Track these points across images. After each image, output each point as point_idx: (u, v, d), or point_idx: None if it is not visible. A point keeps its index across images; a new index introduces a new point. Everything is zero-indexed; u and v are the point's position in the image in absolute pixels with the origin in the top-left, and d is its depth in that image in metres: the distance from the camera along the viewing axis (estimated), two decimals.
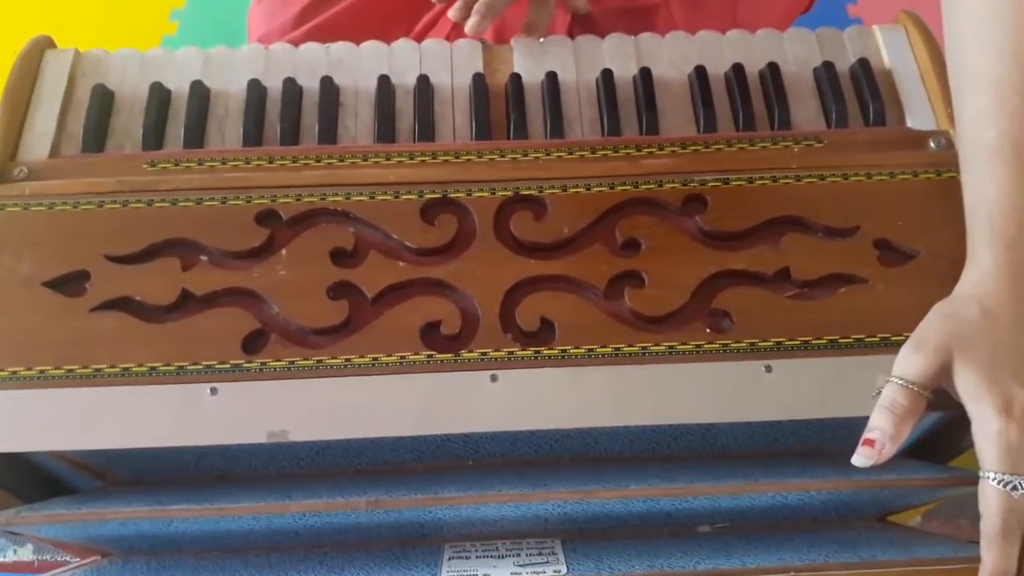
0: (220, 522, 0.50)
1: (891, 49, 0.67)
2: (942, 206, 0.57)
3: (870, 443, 0.48)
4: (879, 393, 0.48)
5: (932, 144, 0.61)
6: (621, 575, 0.46)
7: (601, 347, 0.52)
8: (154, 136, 0.63)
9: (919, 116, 0.64)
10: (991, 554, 0.45)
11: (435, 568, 0.48)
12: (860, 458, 0.48)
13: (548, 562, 0.47)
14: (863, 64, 0.66)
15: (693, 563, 0.48)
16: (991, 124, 0.52)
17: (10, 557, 0.75)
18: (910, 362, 0.48)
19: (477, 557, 0.49)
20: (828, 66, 0.66)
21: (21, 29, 1.46)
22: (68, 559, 0.63)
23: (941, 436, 0.56)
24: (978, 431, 0.46)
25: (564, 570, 0.47)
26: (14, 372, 0.51)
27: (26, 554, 0.75)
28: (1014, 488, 0.45)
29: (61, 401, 0.51)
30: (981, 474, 0.46)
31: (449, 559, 0.49)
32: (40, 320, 0.53)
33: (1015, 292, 0.49)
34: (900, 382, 0.48)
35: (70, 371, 0.52)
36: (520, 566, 0.47)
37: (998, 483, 0.45)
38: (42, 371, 0.52)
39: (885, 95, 0.65)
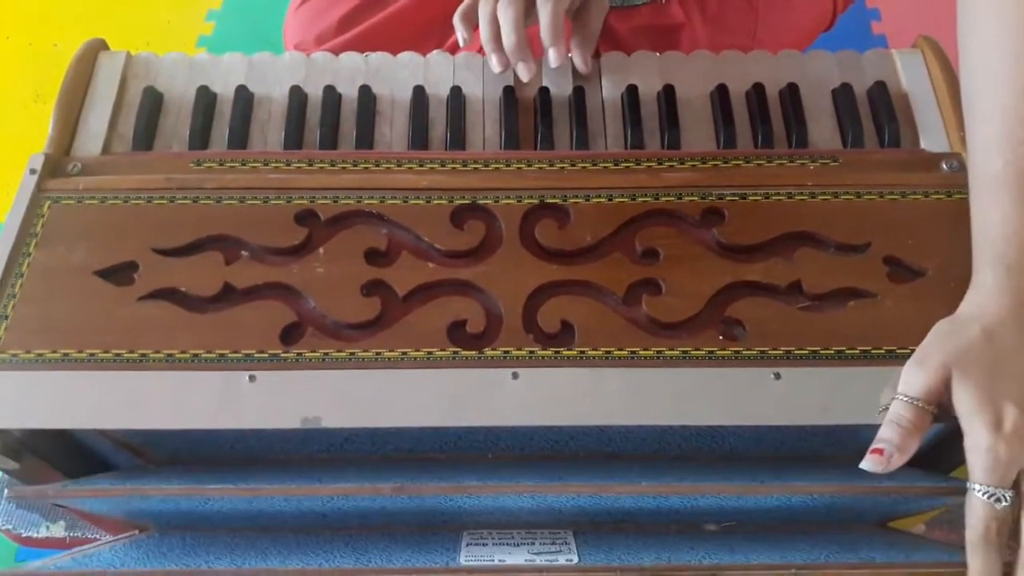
0: (253, 502, 0.52)
1: (908, 73, 0.69)
2: (951, 226, 0.58)
3: (878, 452, 0.49)
4: (886, 409, 0.50)
5: (944, 166, 0.63)
6: (630, 566, 0.48)
7: (618, 350, 0.54)
8: (200, 137, 0.66)
9: (933, 138, 0.66)
10: (976, 560, 0.48)
11: (454, 552, 0.51)
12: (868, 463, 0.49)
13: (561, 551, 0.50)
14: (880, 87, 0.68)
15: (699, 557, 0.50)
16: (998, 154, 0.53)
17: (43, 533, 0.77)
18: (914, 380, 0.50)
19: (494, 544, 0.51)
20: (846, 88, 0.68)
21: (60, 28, 1.50)
22: (100, 535, 0.66)
23: (942, 448, 0.57)
24: (969, 445, 0.48)
25: (576, 559, 0.49)
26: (66, 354, 0.54)
27: (58, 530, 0.77)
28: (997, 500, 0.47)
29: (109, 383, 0.53)
30: (968, 485, 0.48)
31: (467, 545, 0.51)
32: (90, 307, 0.56)
33: (1016, 315, 0.50)
34: (905, 399, 0.50)
35: (118, 355, 0.54)
36: (534, 554, 0.49)
37: (983, 495, 0.47)
38: (92, 354, 0.54)
39: (901, 117, 0.66)
